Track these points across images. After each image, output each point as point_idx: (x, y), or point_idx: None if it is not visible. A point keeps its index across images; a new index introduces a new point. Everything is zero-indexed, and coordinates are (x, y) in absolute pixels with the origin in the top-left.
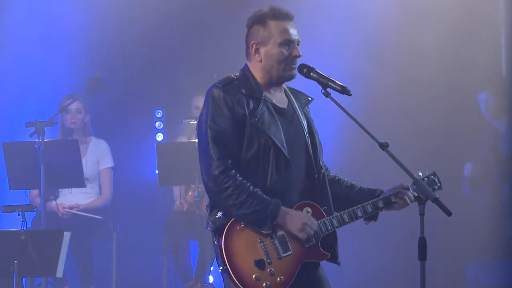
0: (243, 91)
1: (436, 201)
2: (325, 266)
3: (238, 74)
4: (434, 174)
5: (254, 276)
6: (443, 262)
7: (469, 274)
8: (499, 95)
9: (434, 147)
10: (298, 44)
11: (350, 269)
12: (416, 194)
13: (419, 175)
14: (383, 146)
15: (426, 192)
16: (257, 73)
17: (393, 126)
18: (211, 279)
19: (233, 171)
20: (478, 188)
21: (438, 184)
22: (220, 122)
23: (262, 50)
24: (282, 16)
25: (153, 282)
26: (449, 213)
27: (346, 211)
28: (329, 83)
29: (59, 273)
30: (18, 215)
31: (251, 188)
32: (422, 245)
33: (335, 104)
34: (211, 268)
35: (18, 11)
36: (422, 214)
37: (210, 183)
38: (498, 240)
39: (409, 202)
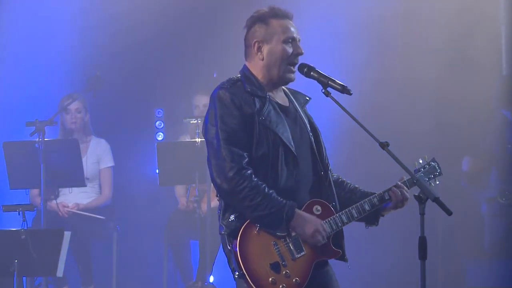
0: (249, 89)
1: (436, 200)
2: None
3: (239, 75)
4: (433, 160)
5: (270, 279)
6: (443, 261)
7: (469, 274)
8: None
9: (433, 145)
10: (299, 42)
11: (351, 267)
12: (409, 191)
13: (420, 163)
14: (383, 145)
15: (426, 191)
16: (258, 73)
17: (393, 123)
18: (211, 278)
19: (248, 171)
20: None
21: (438, 170)
22: (230, 123)
23: (265, 48)
24: (282, 14)
25: (153, 281)
26: (449, 213)
27: (353, 206)
28: (330, 82)
29: (59, 273)
30: (19, 214)
31: (266, 190)
32: (423, 244)
33: (334, 103)
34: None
35: (18, 11)
36: (422, 214)
37: (224, 185)
38: (498, 240)
39: (400, 198)
